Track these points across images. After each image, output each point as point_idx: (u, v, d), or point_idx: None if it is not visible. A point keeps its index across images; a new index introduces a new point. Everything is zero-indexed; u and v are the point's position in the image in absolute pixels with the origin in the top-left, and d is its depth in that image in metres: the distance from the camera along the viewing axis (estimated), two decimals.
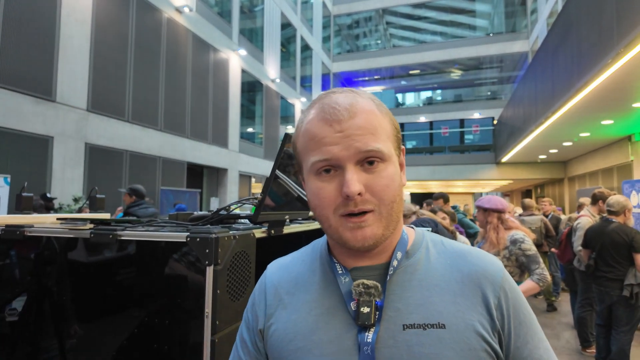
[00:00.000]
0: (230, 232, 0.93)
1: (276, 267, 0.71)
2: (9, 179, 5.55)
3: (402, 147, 0.65)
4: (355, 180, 0.55)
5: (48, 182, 6.54)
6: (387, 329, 0.57)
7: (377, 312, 0.57)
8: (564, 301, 6.43)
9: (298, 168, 0.65)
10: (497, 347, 0.57)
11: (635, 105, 6.66)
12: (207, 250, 0.86)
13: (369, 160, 0.57)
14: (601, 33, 5.13)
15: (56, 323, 1.18)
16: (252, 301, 0.70)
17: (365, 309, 0.57)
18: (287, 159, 1.15)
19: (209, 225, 1.04)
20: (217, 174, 12.22)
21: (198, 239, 0.87)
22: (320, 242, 0.69)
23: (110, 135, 7.79)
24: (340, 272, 0.62)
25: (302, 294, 0.64)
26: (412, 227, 0.69)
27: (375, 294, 0.58)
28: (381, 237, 0.57)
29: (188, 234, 0.89)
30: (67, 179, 6.86)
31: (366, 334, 0.56)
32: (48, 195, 5.54)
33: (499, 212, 2.76)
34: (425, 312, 0.57)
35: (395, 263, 0.61)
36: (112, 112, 7.86)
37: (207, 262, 0.86)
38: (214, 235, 0.86)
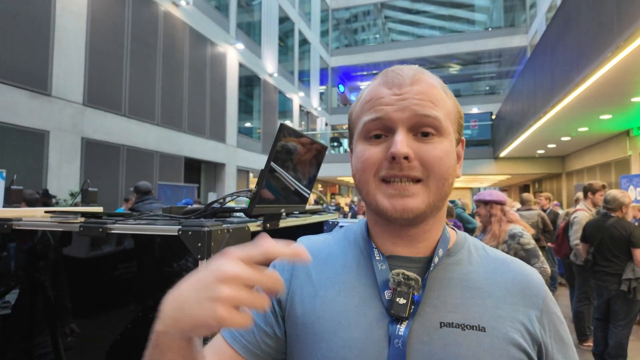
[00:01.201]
0: (224, 225, 0.91)
1: (307, 242, 0.68)
2: (4, 174, 5.51)
3: (463, 138, 0.62)
4: (404, 142, 0.52)
5: (44, 177, 6.50)
6: (422, 324, 0.54)
7: (413, 306, 0.54)
8: (562, 295, 6.45)
9: (349, 139, 0.63)
10: (535, 359, 0.55)
11: (634, 99, 6.64)
12: (200, 244, 0.83)
13: (423, 131, 0.54)
14: (601, 27, 5.09)
15: (47, 318, 1.16)
16: (274, 265, 0.63)
17: (402, 300, 0.54)
18: (283, 151, 1.13)
19: (202, 219, 1.01)
20: (215, 169, 12.18)
21: (190, 233, 0.84)
22: (355, 227, 0.67)
23: (107, 130, 7.74)
24: (377, 258, 0.59)
25: (331, 273, 0.61)
26: (454, 229, 0.66)
27: (415, 286, 0.55)
28: (423, 213, 0.54)
29: (180, 227, 0.86)
30: (63, 174, 6.81)
31: (398, 326, 0.53)
32: (49, 192, 5.47)
33: (502, 204, 2.77)
34: (465, 313, 0.54)
35: (436, 259, 0.58)
36: (109, 106, 7.81)
37: (199, 256, 0.83)
38: (206, 229, 0.84)
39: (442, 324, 0.53)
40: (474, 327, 0.53)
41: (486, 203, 2.81)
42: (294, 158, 1.11)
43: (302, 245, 0.63)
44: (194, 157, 10.50)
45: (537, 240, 5.77)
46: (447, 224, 0.65)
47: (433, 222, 0.58)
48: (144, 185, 4.26)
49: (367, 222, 0.64)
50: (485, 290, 0.56)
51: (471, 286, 0.57)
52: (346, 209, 13.97)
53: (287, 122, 18.09)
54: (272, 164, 1.02)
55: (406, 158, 0.52)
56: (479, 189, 28.24)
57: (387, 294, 0.56)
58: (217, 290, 0.38)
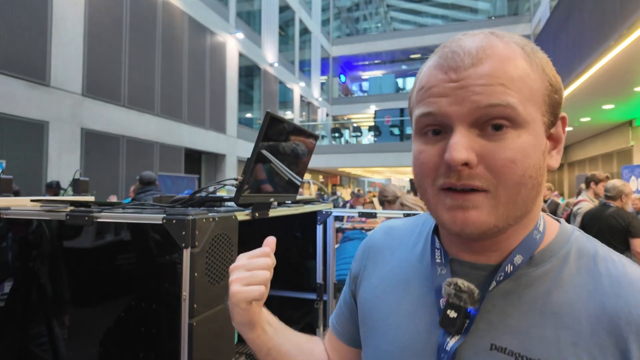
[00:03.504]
0: (210, 214, 0.91)
1: (385, 230, 0.65)
2: (4, 164, 5.53)
3: (563, 115, 0.48)
4: (462, 145, 0.41)
5: (44, 167, 6.51)
6: (472, 342, 0.46)
7: (468, 321, 0.46)
8: None
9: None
10: None
11: (637, 89, 6.57)
12: (184, 233, 0.83)
13: (494, 124, 0.42)
14: (604, 15, 5.02)
15: (42, 309, 1.16)
16: (356, 254, 0.67)
17: (452, 313, 0.47)
18: (270, 140, 1.12)
19: (189, 208, 1.01)
20: (216, 159, 12.18)
21: (174, 221, 0.84)
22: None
23: (106, 120, 7.73)
24: (438, 260, 0.52)
25: (395, 266, 0.58)
26: (559, 221, 0.52)
27: (467, 300, 0.46)
28: (492, 227, 0.43)
29: (164, 215, 0.86)
30: (63, 165, 6.82)
31: (448, 340, 0.47)
32: (60, 184, 5.40)
33: None
34: (526, 340, 0.43)
35: (509, 268, 0.46)
36: (108, 97, 7.78)
37: (183, 245, 0.84)
38: (190, 217, 0.84)
39: (494, 347, 0.45)
40: None
41: None
42: (281, 147, 1.11)
43: (381, 231, 0.66)
44: (195, 147, 10.49)
45: None
46: (555, 218, 0.53)
47: (514, 230, 0.47)
48: (147, 175, 4.28)
49: None
50: (565, 317, 0.43)
51: (547, 310, 0.44)
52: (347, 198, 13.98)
53: (288, 112, 17.98)
54: (260, 152, 1.01)
55: (466, 164, 0.42)
56: None
57: (441, 302, 0.49)
58: (229, 278, 0.59)
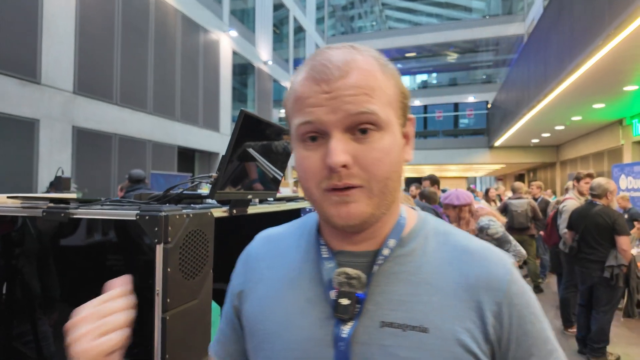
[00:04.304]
0: (184, 210, 0.92)
1: (263, 239, 0.67)
2: None
3: (411, 116, 0.56)
4: (340, 150, 0.47)
5: (35, 165, 6.46)
6: (364, 324, 0.51)
7: (358, 305, 0.51)
8: (552, 283, 6.54)
9: (290, 134, 0.58)
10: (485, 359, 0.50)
11: (626, 88, 6.65)
12: (156, 229, 0.84)
13: (361, 128, 0.49)
14: (593, 14, 5.07)
15: (26, 308, 1.17)
16: (235, 270, 0.67)
17: (345, 301, 0.51)
18: (245, 138, 1.13)
19: (166, 204, 1.02)
20: (209, 157, 12.15)
21: (147, 217, 0.85)
22: (311, 217, 0.63)
23: (98, 118, 7.68)
24: (325, 255, 0.56)
25: (283, 270, 0.59)
26: (415, 209, 0.61)
27: (357, 285, 0.52)
28: (370, 216, 0.50)
29: (138, 212, 0.87)
30: (54, 163, 6.77)
31: (342, 327, 0.51)
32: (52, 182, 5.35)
33: (469, 205, 2.85)
34: (408, 312, 0.51)
35: (386, 252, 0.54)
36: (100, 95, 7.73)
37: (156, 240, 0.85)
38: (163, 213, 0.85)
39: (383, 324, 0.51)
40: (416, 328, 0.50)
41: (455, 207, 2.88)
42: (259, 145, 1.12)
43: (260, 241, 0.67)
44: (188, 146, 10.46)
45: (526, 228, 5.82)
46: (411, 207, 0.62)
47: (386, 218, 0.54)
48: (136, 173, 4.27)
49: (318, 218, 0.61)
50: (434, 285, 0.52)
51: (419, 281, 0.52)
52: None
53: (282, 111, 17.89)
54: (236, 149, 1.02)
55: (345, 166, 0.48)
56: (474, 179, 28.32)
57: (332, 294, 0.53)
58: (74, 333, 0.51)
